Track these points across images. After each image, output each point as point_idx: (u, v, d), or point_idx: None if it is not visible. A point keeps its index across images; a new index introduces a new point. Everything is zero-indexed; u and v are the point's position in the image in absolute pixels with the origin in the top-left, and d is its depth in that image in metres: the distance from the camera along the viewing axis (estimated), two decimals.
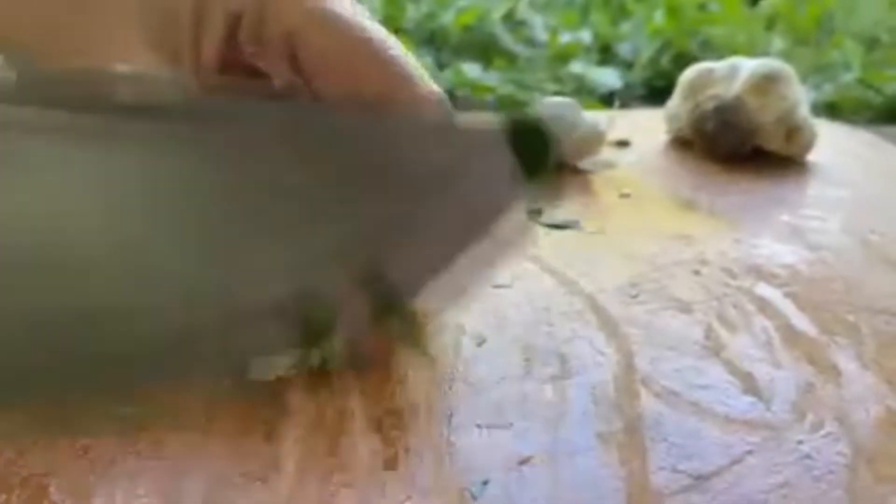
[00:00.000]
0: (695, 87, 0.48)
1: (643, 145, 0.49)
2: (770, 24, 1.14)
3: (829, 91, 0.92)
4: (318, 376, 0.26)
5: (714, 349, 0.29)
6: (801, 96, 0.47)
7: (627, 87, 0.92)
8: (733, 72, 0.47)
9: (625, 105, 0.81)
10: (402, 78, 0.25)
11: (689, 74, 0.49)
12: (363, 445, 0.23)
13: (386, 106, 0.25)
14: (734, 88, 0.46)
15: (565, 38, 1.12)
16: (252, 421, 0.24)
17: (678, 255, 0.35)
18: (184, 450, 0.23)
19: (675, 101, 0.49)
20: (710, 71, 0.48)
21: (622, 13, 1.21)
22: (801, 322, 0.30)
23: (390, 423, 0.24)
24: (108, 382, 0.24)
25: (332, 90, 0.25)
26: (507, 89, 0.85)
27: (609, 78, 0.91)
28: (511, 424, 0.24)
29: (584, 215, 0.39)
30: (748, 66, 0.47)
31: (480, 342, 0.29)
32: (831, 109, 0.89)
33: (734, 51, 0.97)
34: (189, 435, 0.24)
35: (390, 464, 0.23)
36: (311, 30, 0.25)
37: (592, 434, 0.24)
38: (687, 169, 0.46)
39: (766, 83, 0.46)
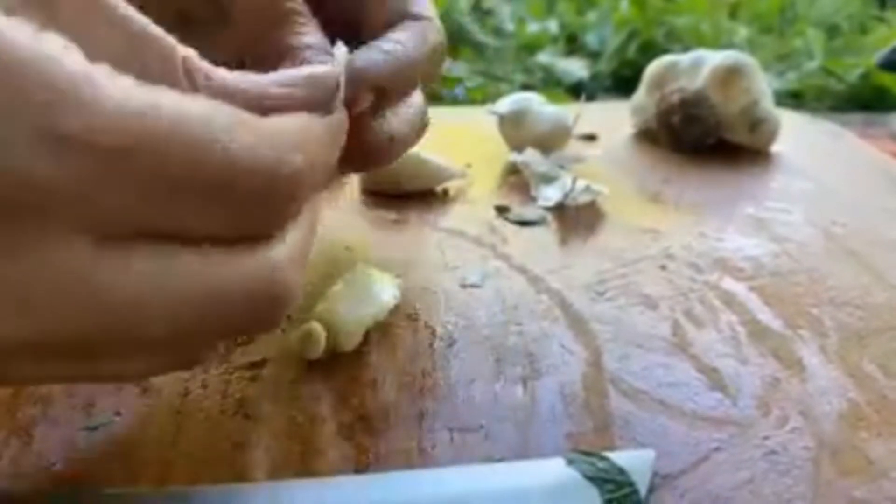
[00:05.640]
0: (660, 81, 0.48)
1: (610, 139, 0.49)
2: (734, 12, 1.15)
3: (792, 79, 0.94)
4: (288, 383, 0.26)
5: (681, 345, 0.29)
6: (764, 88, 0.47)
7: (594, 77, 0.92)
8: (697, 65, 0.47)
9: (592, 96, 0.81)
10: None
11: (653, 68, 0.49)
12: (334, 452, 0.23)
13: None
14: (698, 81, 0.47)
15: (532, 27, 1.12)
16: (220, 430, 0.24)
17: (645, 250, 0.36)
18: (152, 460, 0.23)
19: (640, 94, 0.50)
20: (675, 64, 0.48)
21: (588, 2, 1.21)
22: (766, 316, 0.31)
23: (361, 429, 0.24)
24: None
25: None
26: (476, 81, 0.85)
27: (576, 68, 0.92)
28: (482, 427, 0.25)
29: (552, 211, 0.39)
30: (712, 59, 0.47)
31: (451, 343, 0.29)
32: (795, 97, 0.91)
33: (699, 40, 0.97)
34: (157, 445, 0.23)
35: (361, 470, 0.23)
36: None
37: (562, 435, 0.24)
38: (653, 162, 0.46)
39: (729, 76, 0.46)
